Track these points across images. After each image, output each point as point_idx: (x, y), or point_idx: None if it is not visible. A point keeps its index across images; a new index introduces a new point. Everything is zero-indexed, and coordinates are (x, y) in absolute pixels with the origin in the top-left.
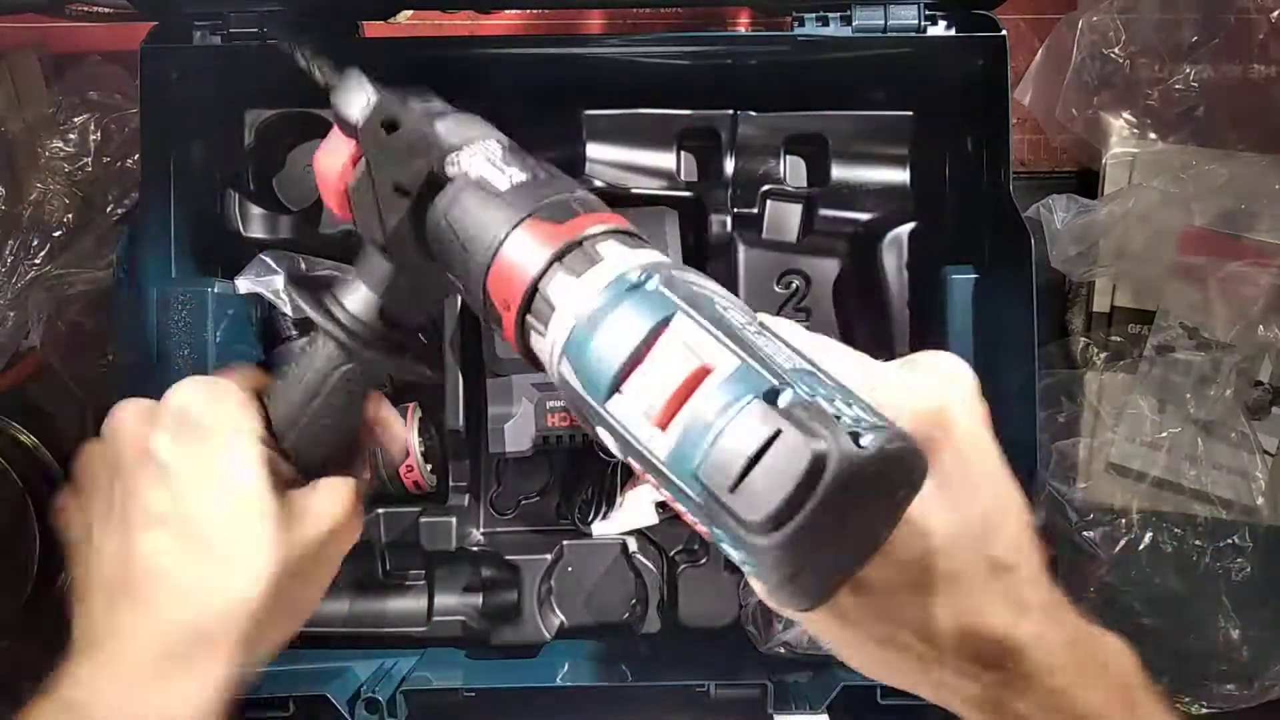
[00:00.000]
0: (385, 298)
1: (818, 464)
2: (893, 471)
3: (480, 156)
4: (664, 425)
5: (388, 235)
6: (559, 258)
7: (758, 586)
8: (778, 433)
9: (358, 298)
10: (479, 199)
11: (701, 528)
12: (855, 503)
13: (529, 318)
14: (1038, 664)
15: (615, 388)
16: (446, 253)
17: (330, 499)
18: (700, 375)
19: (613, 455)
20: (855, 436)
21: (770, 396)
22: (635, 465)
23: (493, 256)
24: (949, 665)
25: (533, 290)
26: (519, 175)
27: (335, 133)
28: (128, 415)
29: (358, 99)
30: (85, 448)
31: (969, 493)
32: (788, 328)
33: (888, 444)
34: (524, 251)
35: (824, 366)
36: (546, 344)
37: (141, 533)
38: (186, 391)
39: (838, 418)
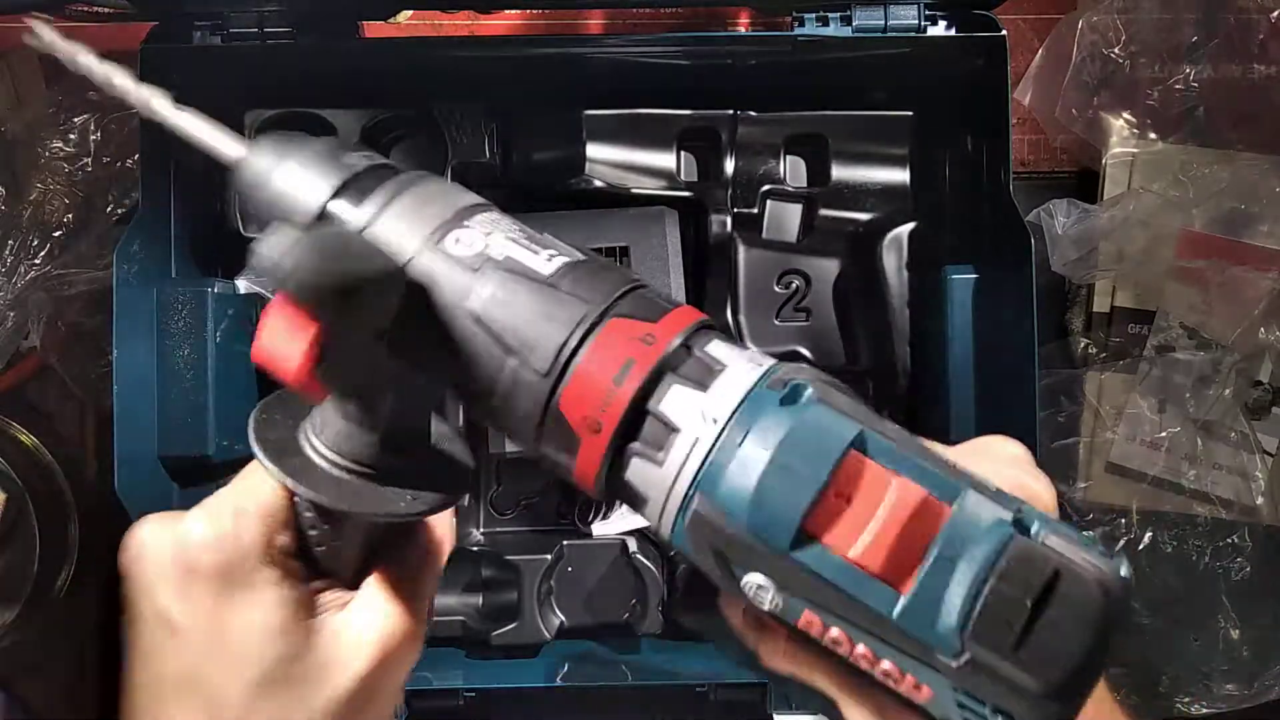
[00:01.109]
0: (382, 430)
1: (1109, 601)
2: None
3: (497, 234)
4: (894, 578)
5: (375, 384)
6: (670, 367)
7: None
8: (1057, 573)
9: (341, 438)
10: (525, 291)
11: (925, 692)
12: None
13: (634, 445)
14: None
15: (805, 534)
16: (467, 360)
17: (370, 621)
18: (929, 511)
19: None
20: (1112, 560)
21: (1022, 527)
22: (826, 625)
23: (565, 366)
24: None
25: (637, 409)
26: (558, 256)
27: (277, 313)
28: (144, 556)
29: (304, 269)
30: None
31: None
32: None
33: (1127, 560)
34: (616, 359)
35: None
36: (663, 474)
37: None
38: (194, 534)
39: (1085, 541)
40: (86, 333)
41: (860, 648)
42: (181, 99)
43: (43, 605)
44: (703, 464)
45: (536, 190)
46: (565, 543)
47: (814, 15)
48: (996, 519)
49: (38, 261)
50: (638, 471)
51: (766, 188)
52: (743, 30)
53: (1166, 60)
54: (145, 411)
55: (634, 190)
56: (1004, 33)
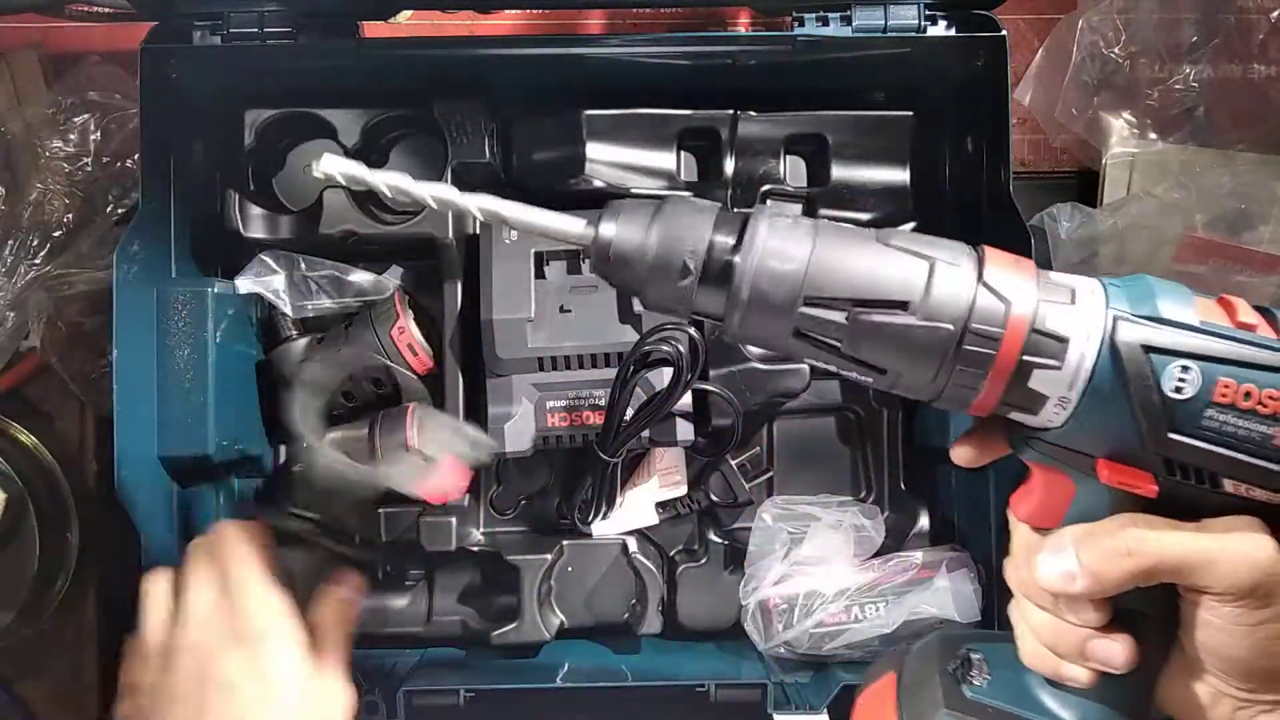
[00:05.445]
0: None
1: None
2: None
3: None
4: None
5: None
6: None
7: None
8: None
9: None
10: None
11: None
12: None
13: (1026, 358)
14: None
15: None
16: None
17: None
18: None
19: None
20: None
21: None
22: (1239, 383)
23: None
24: None
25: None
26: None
27: (445, 473)
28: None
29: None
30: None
31: None
32: None
33: None
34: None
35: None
36: (1078, 318)
37: None
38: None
39: None
40: (86, 333)
41: (1267, 390)
42: (182, 98)
43: (43, 605)
44: (1107, 305)
45: (536, 190)
46: (565, 543)
47: (814, 15)
48: None
49: (38, 261)
50: (1042, 378)
51: (766, 188)
52: (743, 30)
53: (1166, 60)
54: (145, 411)
55: (634, 190)
56: (1004, 33)
